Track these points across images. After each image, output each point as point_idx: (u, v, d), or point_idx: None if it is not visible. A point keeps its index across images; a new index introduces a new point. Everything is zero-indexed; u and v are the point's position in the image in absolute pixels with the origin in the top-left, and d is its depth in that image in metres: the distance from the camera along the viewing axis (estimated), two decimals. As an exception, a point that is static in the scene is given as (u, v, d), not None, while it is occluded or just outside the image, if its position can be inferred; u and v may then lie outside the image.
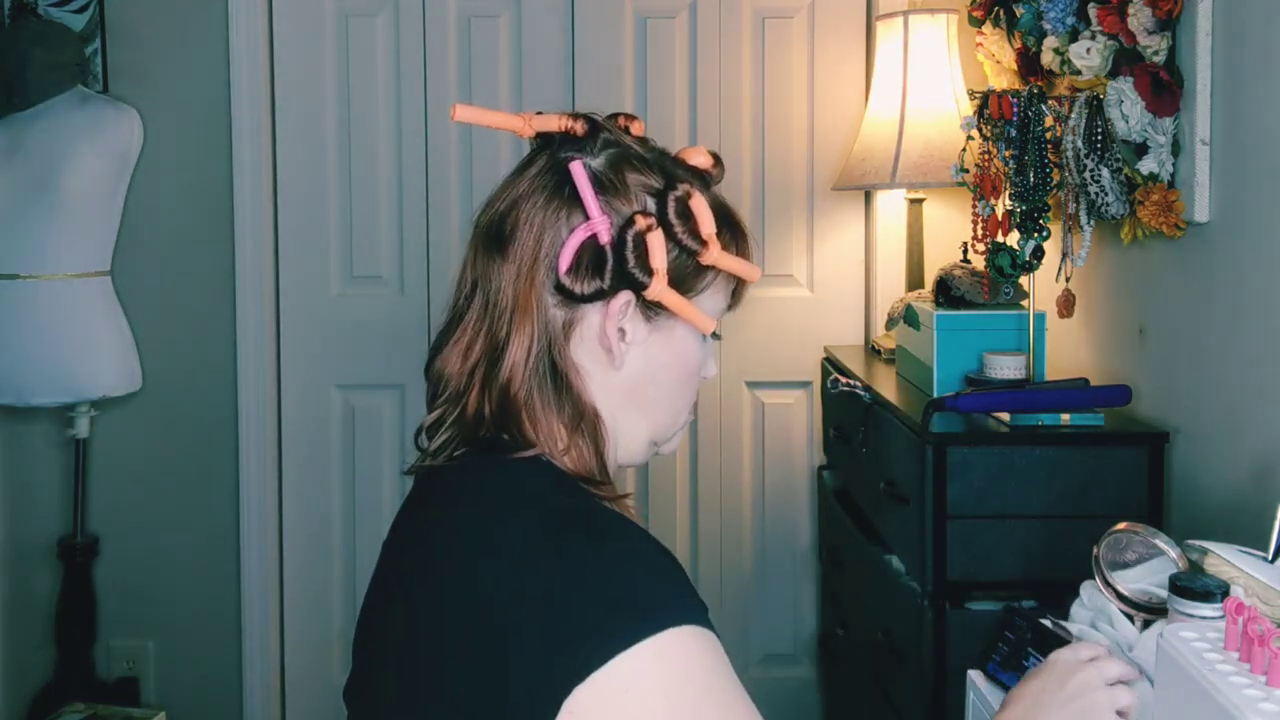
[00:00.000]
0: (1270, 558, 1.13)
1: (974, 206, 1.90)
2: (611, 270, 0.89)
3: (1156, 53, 1.63)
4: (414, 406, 2.73)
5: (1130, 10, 1.65)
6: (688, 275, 0.93)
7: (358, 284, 2.73)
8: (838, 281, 2.72)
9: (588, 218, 0.89)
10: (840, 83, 2.70)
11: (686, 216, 0.91)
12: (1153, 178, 1.65)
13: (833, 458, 2.47)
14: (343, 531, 2.75)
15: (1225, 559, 1.13)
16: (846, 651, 2.24)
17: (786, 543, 2.73)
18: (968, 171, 1.95)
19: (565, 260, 0.89)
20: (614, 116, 0.98)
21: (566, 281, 0.89)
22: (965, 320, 1.91)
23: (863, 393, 2.03)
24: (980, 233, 1.89)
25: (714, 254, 0.92)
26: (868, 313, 2.72)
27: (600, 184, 0.91)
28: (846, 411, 2.18)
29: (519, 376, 0.90)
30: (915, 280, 2.43)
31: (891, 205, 2.63)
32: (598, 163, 0.92)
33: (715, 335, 0.98)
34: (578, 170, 0.89)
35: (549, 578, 0.79)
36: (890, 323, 2.30)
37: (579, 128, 0.93)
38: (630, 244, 0.89)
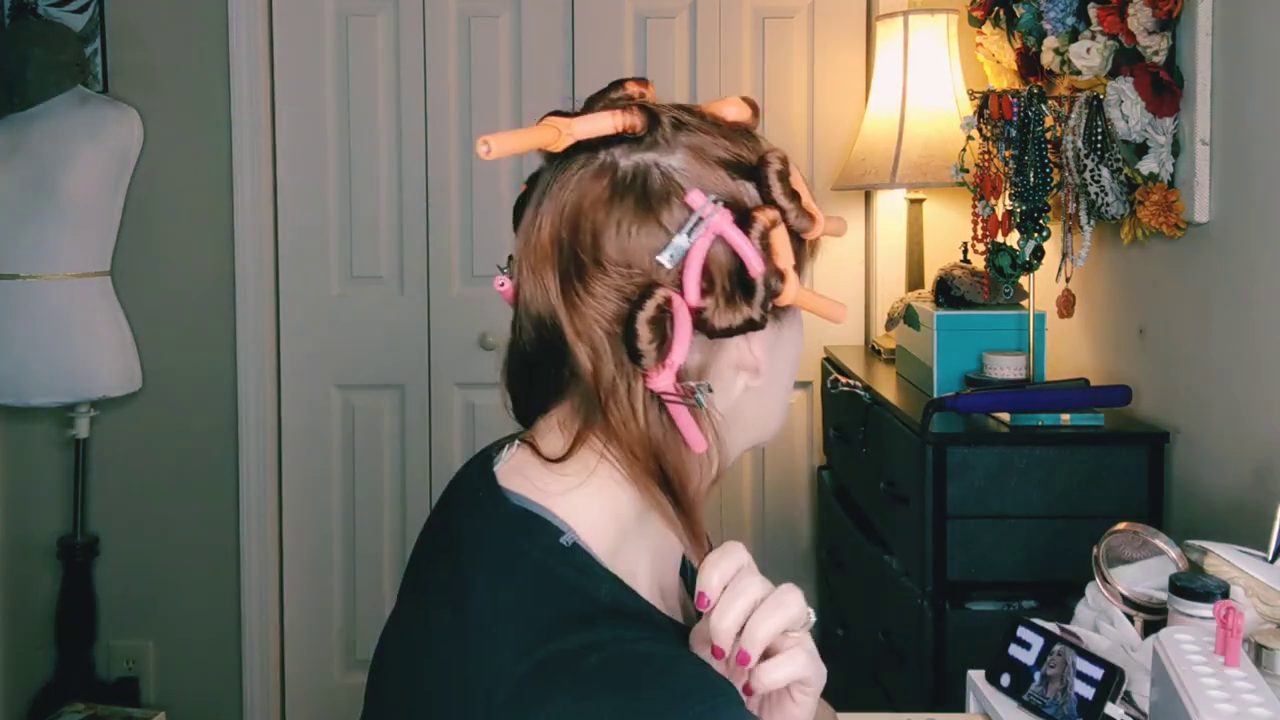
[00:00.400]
0: (1270, 558, 1.13)
1: (974, 206, 1.90)
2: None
3: (1156, 53, 1.63)
4: (414, 406, 2.74)
5: (1130, 10, 1.65)
6: (798, 256, 0.78)
7: (358, 284, 2.73)
8: (837, 281, 2.71)
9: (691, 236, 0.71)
10: (840, 83, 2.71)
11: (793, 193, 0.76)
12: (1153, 178, 1.65)
13: (833, 458, 2.47)
14: (343, 531, 2.75)
15: (1225, 559, 1.13)
16: (846, 651, 2.24)
17: (786, 543, 2.73)
18: (968, 171, 1.95)
19: (693, 289, 0.70)
20: (620, 84, 0.79)
21: (712, 318, 0.71)
22: (965, 320, 1.91)
23: (863, 393, 2.03)
24: (980, 233, 1.89)
25: (820, 222, 0.78)
26: (868, 313, 2.72)
27: (696, 184, 0.73)
28: (846, 411, 2.18)
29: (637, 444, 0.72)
30: (915, 280, 2.43)
31: (891, 205, 2.63)
32: (677, 160, 0.73)
33: None
34: (698, 201, 0.71)
35: None
36: (890, 323, 2.30)
37: (638, 123, 0.73)
38: (760, 247, 0.72)
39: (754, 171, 0.75)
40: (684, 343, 0.69)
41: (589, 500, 0.74)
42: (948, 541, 1.64)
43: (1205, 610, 1.03)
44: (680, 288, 0.70)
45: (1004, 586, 1.67)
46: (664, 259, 0.70)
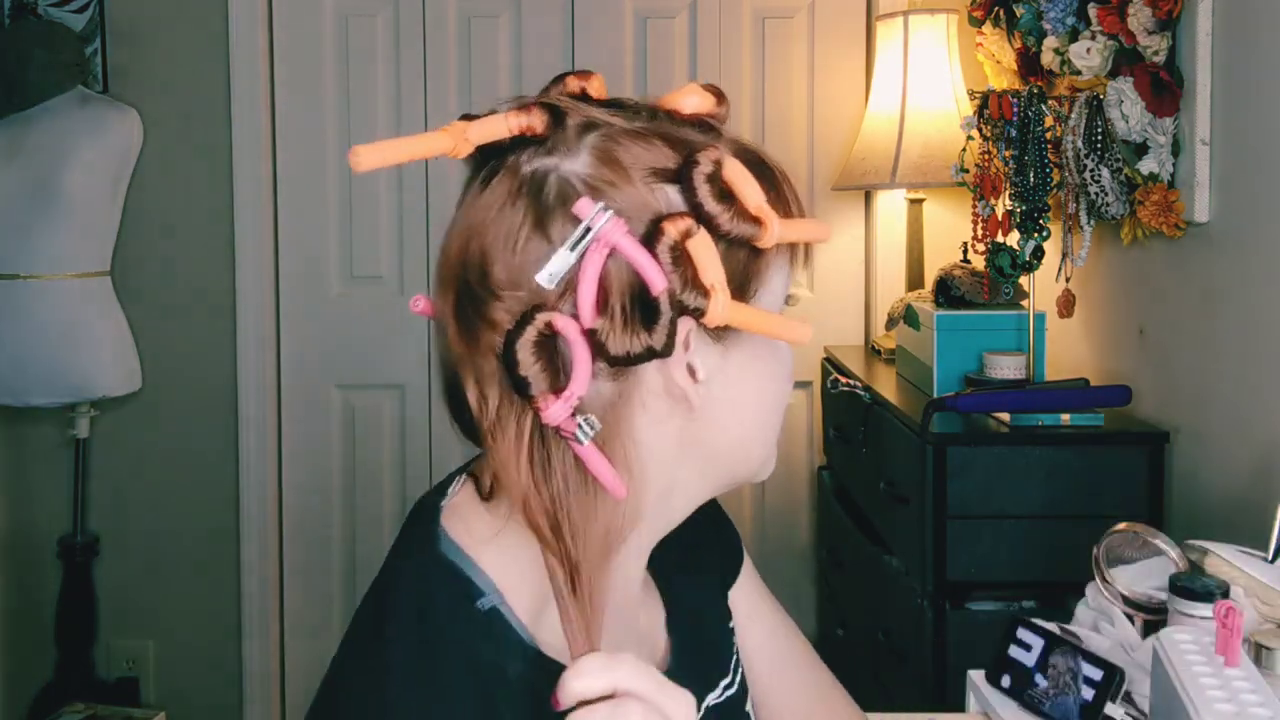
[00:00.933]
0: (1270, 558, 1.13)
1: (974, 206, 1.90)
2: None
3: (1156, 53, 1.63)
4: (414, 406, 2.74)
5: (1130, 10, 1.65)
6: (746, 269, 0.67)
7: (358, 284, 2.73)
8: (838, 281, 2.71)
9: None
10: (840, 83, 2.70)
11: (727, 196, 0.65)
12: (1153, 178, 1.65)
13: (833, 458, 2.47)
14: (343, 531, 2.75)
15: (1225, 559, 1.13)
16: (846, 651, 2.24)
17: (786, 543, 2.73)
18: (968, 171, 1.95)
19: (587, 310, 0.62)
20: (559, 80, 0.71)
21: (608, 343, 0.63)
22: (965, 320, 1.91)
23: (863, 393, 2.03)
24: (980, 233, 1.89)
25: (773, 232, 0.66)
26: (868, 313, 2.72)
27: (596, 192, 0.64)
28: (846, 411, 2.18)
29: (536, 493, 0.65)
30: (915, 280, 2.43)
31: (891, 205, 2.63)
32: (580, 165, 0.65)
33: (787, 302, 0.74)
34: (586, 209, 0.63)
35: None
36: (890, 323, 2.30)
37: (538, 124, 0.65)
38: (670, 262, 0.63)
39: (677, 174, 0.65)
40: (583, 367, 0.62)
41: (514, 550, 0.67)
42: (948, 541, 1.64)
43: (1205, 610, 1.03)
44: (575, 307, 0.62)
45: (1004, 586, 1.67)
46: (542, 279, 0.62)
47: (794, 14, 2.71)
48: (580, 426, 0.63)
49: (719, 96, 0.71)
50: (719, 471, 0.73)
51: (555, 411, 0.62)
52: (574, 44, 2.69)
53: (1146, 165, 1.65)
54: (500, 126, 0.65)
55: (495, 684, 0.63)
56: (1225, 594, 1.06)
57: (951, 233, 2.49)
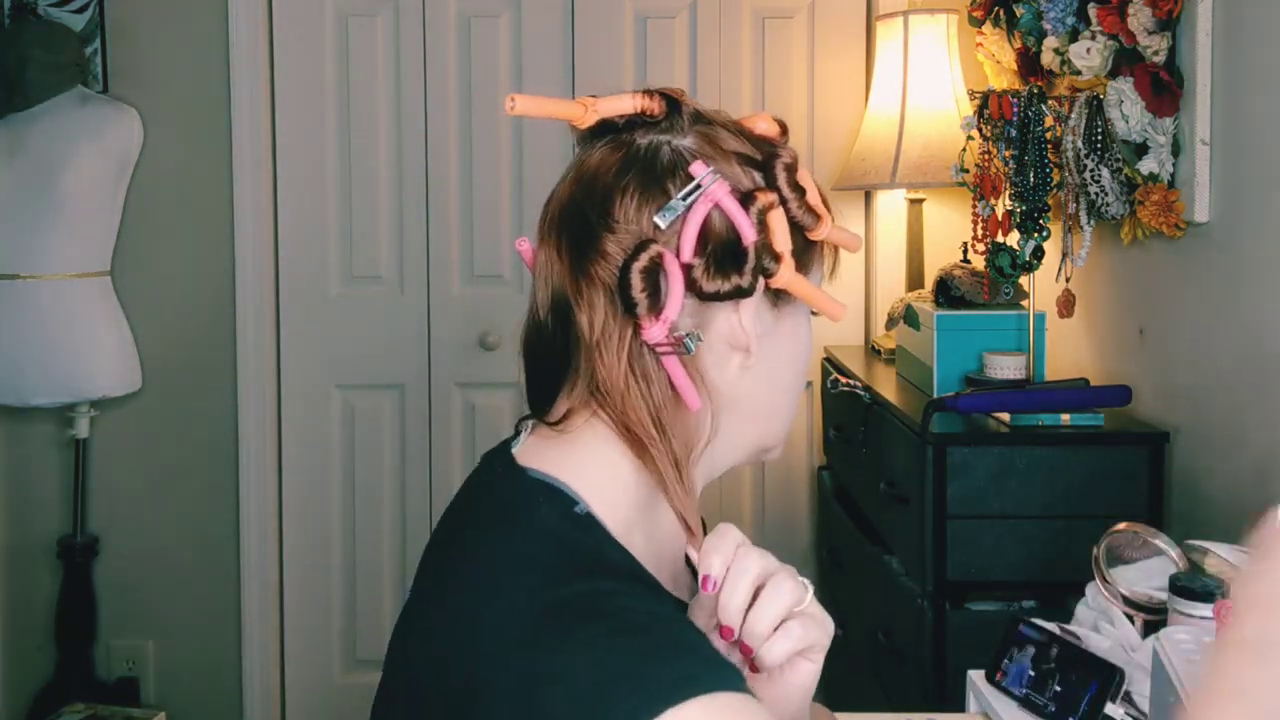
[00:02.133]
0: (1270, 558, 1.13)
1: (974, 206, 1.90)
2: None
3: (1156, 53, 1.63)
4: (414, 406, 2.74)
5: (1130, 10, 1.65)
6: (800, 254, 0.81)
7: (358, 284, 2.73)
8: (838, 281, 2.69)
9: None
10: (840, 83, 2.70)
11: (798, 188, 0.80)
12: (1153, 178, 1.65)
13: (833, 458, 2.47)
14: (343, 531, 2.75)
15: (1225, 559, 1.13)
16: (846, 651, 2.24)
17: (786, 543, 2.73)
18: (968, 171, 1.95)
19: (689, 249, 0.75)
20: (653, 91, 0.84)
21: (701, 280, 0.75)
22: (965, 320, 1.91)
23: (863, 393, 2.03)
24: (980, 233, 1.89)
25: (826, 227, 0.81)
26: (868, 313, 2.72)
27: (705, 159, 0.78)
28: (846, 411, 2.18)
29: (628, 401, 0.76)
30: (915, 280, 2.43)
31: (891, 205, 2.63)
32: (688, 141, 0.79)
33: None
34: (700, 170, 0.76)
35: (531, 674, 0.66)
36: (890, 323, 2.30)
37: (656, 106, 0.78)
38: (756, 223, 0.76)
39: (762, 164, 0.79)
40: (676, 297, 0.73)
41: (600, 475, 0.77)
42: (948, 541, 1.64)
43: (1205, 610, 1.03)
44: (678, 247, 0.74)
45: (1004, 586, 1.67)
46: (659, 219, 0.74)
47: (794, 14, 2.71)
48: (688, 337, 0.75)
49: (784, 129, 0.85)
50: (751, 433, 0.83)
51: (655, 331, 0.74)
52: (574, 44, 2.69)
53: (1146, 165, 1.65)
54: (626, 103, 0.78)
55: (599, 560, 0.72)
56: (1225, 594, 1.06)
57: (951, 233, 2.49)
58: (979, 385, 1.82)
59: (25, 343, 2.46)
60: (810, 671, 0.76)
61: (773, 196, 0.77)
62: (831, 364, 2.43)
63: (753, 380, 0.80)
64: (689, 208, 0.75)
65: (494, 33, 2.70)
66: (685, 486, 0.76)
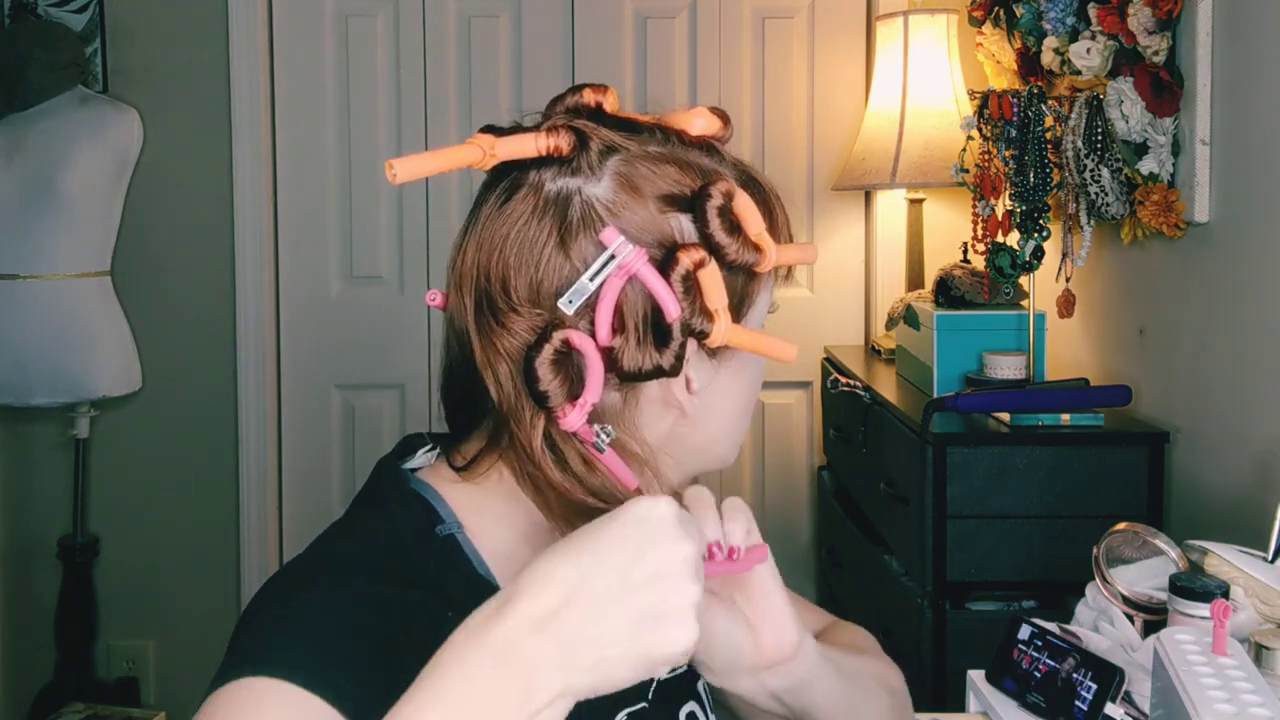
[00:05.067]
0: (1270, 558, 1.13)
1: (974, 206, 1.90)
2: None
3: (1156, 53, 1.63)
4: (414, 406, 2.73)
5: (1130, 10, 1.65)
6: (741, 290, 0.73)
7: (358, 284, 2.73)
8: (838, 281, 2.71)
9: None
10: (840, 83, 2.70)
11: (735, 228, 0.70)
12: (1153, 178, 1.65)
13: (833, 458, 2.47)
14: (343, 531, 2.74)
15: (1225, 559, 1.13)
16: (846, 651, 2.23)
17: (786, 543, 2.73)
18: (968, 171, 1.96)
19: (604, 331, 0.67)
20: (576, 91, 0.75)
21: (622, 360, 0.68)
22: (965, 320, 1.91)
23: (863, 393, 2.03)
24: (980, 233, 1.89)
25: (771, 256, 0.72)
26: (868, 313, 2.72)
27: (617, 218, 0.69)
28: (846, 411, 2.18)
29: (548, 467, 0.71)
30: (915, 280, 2.43)
31: (891, 205, 2.63)
32: (602, 190, 0.69)
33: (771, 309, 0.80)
34: (612, 238, 0.67)
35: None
36: (890, 323, 2.30)
37: (564, 144, 0.69)
38: (681, 289, 0.68)
39: (691, 203, 0.70)
40: (595, 383, 0.67)
41: (493, 510, 0.73)
42: (948, 541, 1.64)
43: (1205, 610, 1.03)
44: (592, 325, 0.67)
45: (1004, 586, 1.67)
46: (563, 304, 0.67)
47: (794, 14, 2.71)
48: (599, 435, 0.69)
49: (724, 120, 0.75)
50: (692, 464, 0.78)
51: (573, 419, 0.67)
52: (574, 44, 2.69)
53: (1146, 165, 1.65)
54: (529, 145, 0.69)
55: (420, 576, 0.69)
56: (1225, 594, 1.06)
57: (951, 233, 2.49)
58: (979, 385, 1.82)
59: (25, 343, 2.46)
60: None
61: (700, 254, 0.68)
62: (831, 364, 2.43)
63: (692, 426, 0.74)
64: (602, 284, 0.67)
65: (494, 33, 2.70)
66: None
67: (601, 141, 0.70)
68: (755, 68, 2.71)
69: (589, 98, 0.74)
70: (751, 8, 2.70)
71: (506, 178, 0.71)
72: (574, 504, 0.70)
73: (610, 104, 0.74)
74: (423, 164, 0.67)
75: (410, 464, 0.78)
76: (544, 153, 0.69)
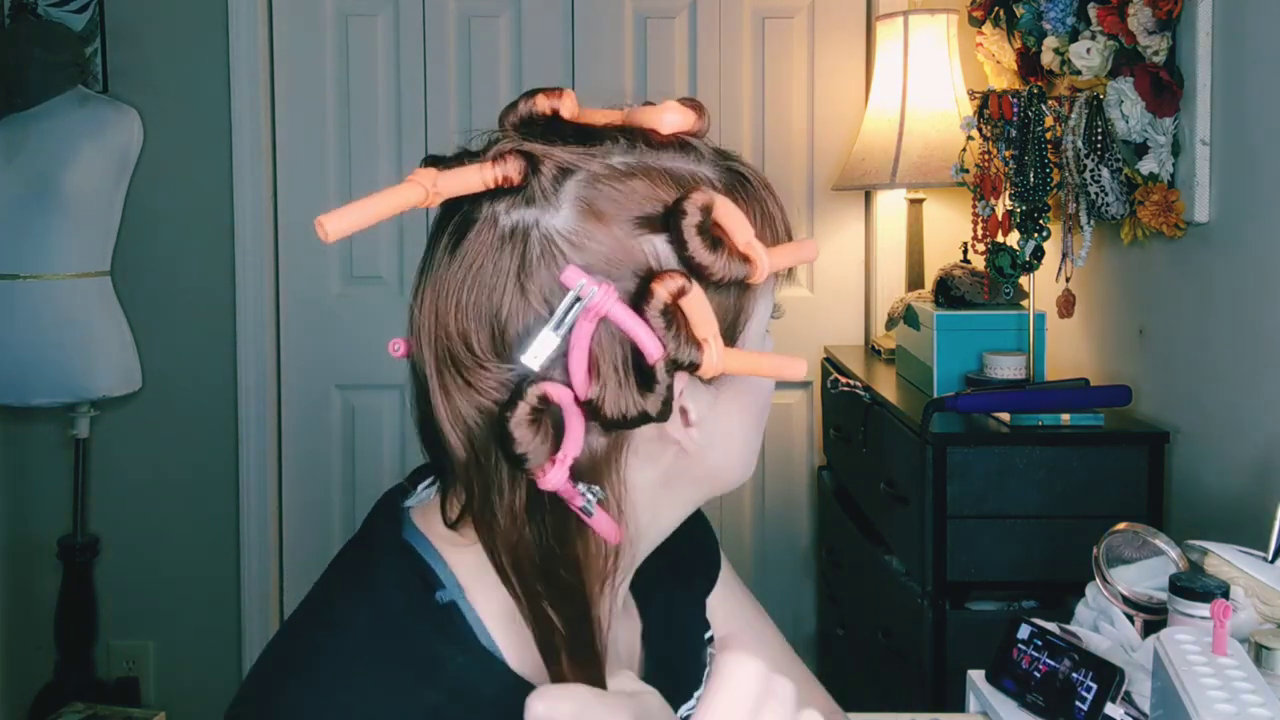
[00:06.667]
0: (1270, 558, 1.13)
1: (974, 206, 1.90)
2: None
3: (1156, 53, 1.63)
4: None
5: (1130, 10, 1.65)
6: (735, 305, 0.65)
7: (358, 284, 2.73)
8: (838, 281, 2.71)
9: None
10: (840, 83, 2.70)
11: (718, 244, 0.62)
12: (1153, 178, 1.65)
13: (833, 458, 2.47)
14: (342, 532, 2.74)
15: (1225, 559, 1.13)
16: (846, 651, 2.24)
17: (786, 543, 2.73)
18: (968, 171, 1.96)
19: (580, 381, 0.60)
20: (529, 96, 0.67)
21: (603, 409, 0.60)
22: (965, 320, 1.91)
23: (863, 393, 2.03)
24: (980, 233, 1.89)
25: (763, 266, 0.63)
26: (868, 313, 2.72)
27: (580, 250, 0.61)
28: (846, 411, 2.18)
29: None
30: (915, 280, 2.43)
31: (891, 205, 2.63)
32: (561, 220, 0.61)
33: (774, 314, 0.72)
34: (574, 279, 0.59)
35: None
36: (890, 323, 2.30)
37: (515, 173, 0.61)
38: (662, 323, 0.60)
39: (665, 220, 0.62)
40: (575, 437, 0.60)
41: (488, 562, 0.64)
42: (948, 541, 1.64)
43: (1205, 610, 1.03)
44: (566, 373, 0.60)
45: (1004, 586, 1.67)
46: (528, 360, 0.60)
47: (794, 14, 2.71)
48: (585, 496, 0.61)
49: (699, 111, 0.68)
50: (701, 493, 0.72)
51: (553, 478, 0.60)
52: (574, 44, 2.69)
53: (1146, 165, 1.65)
54: (474, 179, 0.62)
55: (427, 671, 0.62)
56: (1225, 594, 1.06)
57: (951, 233, 2.49)
58: (979, 385, 1.82)
59: (25, 343, 2.46)
60: None
61: (678, 281, 0.60)
62: (831, 364, 2.43)
63: (694, 461, 0.67)
64: (569, 332, 0.59)
65: (494, 33, 2.70)
66: (591, 637, 0.61)
67: (556, 164, 0.62)
68: (755, 68, 2.71)
69: (543, 105, 0.66)
70: (751, 8, 2.70)
71: (458, 212, 0.64)
72: (534, 593, 0.62)
73: (568, 109, 0.66)
74: (357, 215, 0.59)
75: (410, 500, 0.71)
76: (492, 185, 0.61)
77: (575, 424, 0.60)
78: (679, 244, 0.61)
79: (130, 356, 2.61)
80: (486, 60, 2.70)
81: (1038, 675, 1.13)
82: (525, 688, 0.64)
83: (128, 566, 2.69)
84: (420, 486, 0.72)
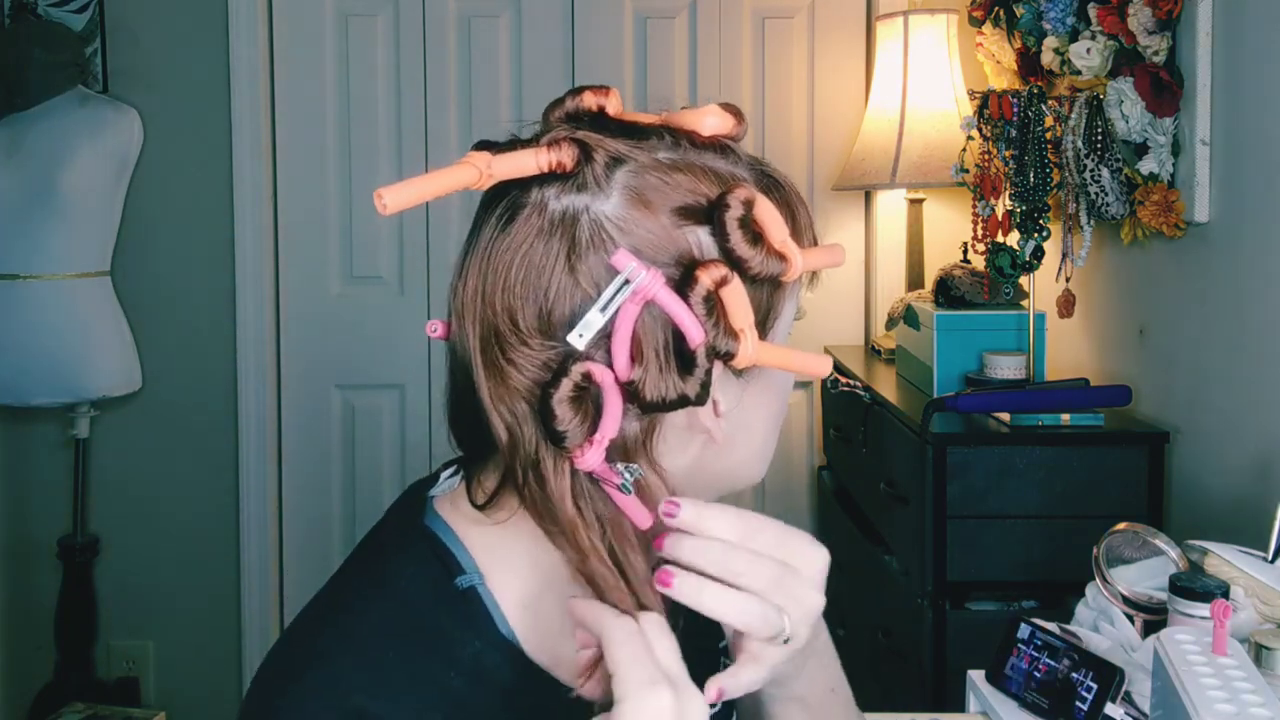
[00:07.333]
0: (1270, 558, 1.13)
1: (974, 206, 1.90)
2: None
3: (1156, 53, 1.63)
4: (414, 406, 2.73)
5: (1130, 10, 1.65)
6: (767, 301, 0.68)
7: (358, 284, 2.73)
8: (838, 281, 2.71)
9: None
10: (840, 83, 2.70)
11: (757, 239, 0.65)
12: (1153, 178, 1.65)
13: (833, 458, 2.47)
14: (343, 532, 2.74)
15: (1225, 559, 1.13)
16: (846, 651, 2.23)
17: (786, 543, 2.73)
18: (968, 171, 1.96)
19: (623, 362, 0.62)
20: (576, 94, 0.69)
21: (644, 391, 0.62)
22: (965, 320, 1.91)
23: (863, 393, 2.03)
24: (980, 233, 1.89)
25: (797, 264, 0.67)
26: (868, 313, 2.72)
27: (628, 235, 0.63)
28: (846, 411, 2.18)
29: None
30: (915, 280, 2.43)
31: (891, 205, 2.63)
32: (611, 206, 0.63)
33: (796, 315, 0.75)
34: (624, 262, 0.62)
35: None
36: (890, 323, 2.30)
37: (567, 159, 0.64)
38: (704, 310, 0.62)
39: (708, 213, 0.65)
40: (613, 418, 0.62)
41: (512, 545, 0.68)
42: (947, 541, 1.64)
43: (1205, 610, 1.03)
44: (609, 354, 0.62)
45: (1004, 586, 1.67)
46: (574, 338, 0.62)
47: (794, 14, 2.71)
48: (623, 475, 0.64)
49: (738, 117, 0.70)
50: (721, 486, 0.74)
51: (590, 458, 0.62)
52: (574, 44, 2.69)
53: (1146, 165, 1.65)
54: (529, 163, 0.63)
55: (445, 657, 0.65)
56: (1225, 594, 1.06)
57: (951, 233, 2.49)
58: (979, 385, 1.82)
59: (25, 343, 2.46)
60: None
61: (721, 271, 0.62)
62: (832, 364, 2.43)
63: (720, 450, 0.70)
64: (616, 313, 0.62)
65: (494, 33, 2.70)
66: (642, 589, 0.65)
67: (607, 153, 0.64)
68: (755, 68, 2.71)
69: (590, 101, 0.68)
70: (751, 8, 2.70)
71: (506, 197, 0.65)
72: (584, 572, 0.64)
73: (613, 107, 0.68)
74: (415, 190, 0.61)
75: (434, 490, 0.74)
76: (545, 169, 0.63)
77: (614, 404, 0.62)
78: (721, 235, 0.64)
79: (130, 356, 2.61)
80: (486, 60, 2.70)
81: (1038, 675, 1.13)
82: (541, 675, 0.67)
83: (128, 566, 2.69)
84: (444, 475, 0.75)
